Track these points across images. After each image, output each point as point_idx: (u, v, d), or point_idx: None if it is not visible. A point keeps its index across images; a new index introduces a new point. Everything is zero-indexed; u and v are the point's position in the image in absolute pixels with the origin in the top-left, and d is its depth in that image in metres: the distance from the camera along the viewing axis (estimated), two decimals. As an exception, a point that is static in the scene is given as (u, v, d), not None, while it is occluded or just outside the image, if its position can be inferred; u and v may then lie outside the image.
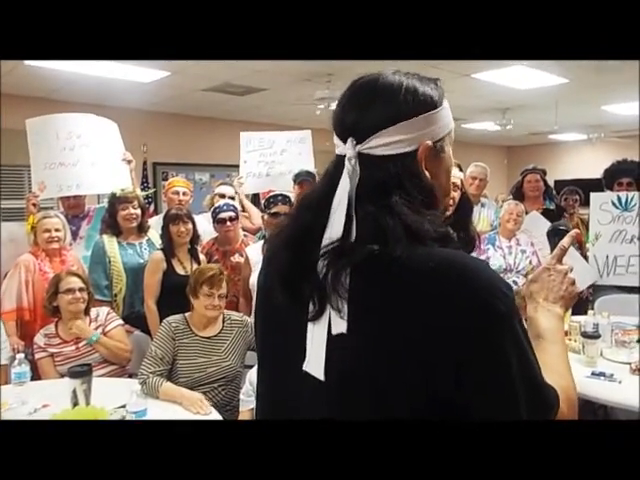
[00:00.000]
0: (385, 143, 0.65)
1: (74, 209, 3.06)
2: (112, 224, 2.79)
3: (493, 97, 5.24)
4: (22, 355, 2.02)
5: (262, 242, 2.56)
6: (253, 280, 2.44)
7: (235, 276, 2.68)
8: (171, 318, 2.11)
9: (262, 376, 0.80)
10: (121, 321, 2.43)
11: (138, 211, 2.80)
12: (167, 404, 1.77)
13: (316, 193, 0.70)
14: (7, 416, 1.72)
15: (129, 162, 3.07)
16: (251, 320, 2.21)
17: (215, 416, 1.72)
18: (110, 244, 2.73)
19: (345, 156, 0.66)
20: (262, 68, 4.22)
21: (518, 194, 3.51)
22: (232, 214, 2.77)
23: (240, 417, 1.73)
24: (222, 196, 3.17)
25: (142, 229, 2.85)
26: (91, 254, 2.78)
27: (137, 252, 2.78)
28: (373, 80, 0.69)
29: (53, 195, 3.01)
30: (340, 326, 0.62)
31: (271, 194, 2.65)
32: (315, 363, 0.64)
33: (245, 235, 2.98)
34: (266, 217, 2.56)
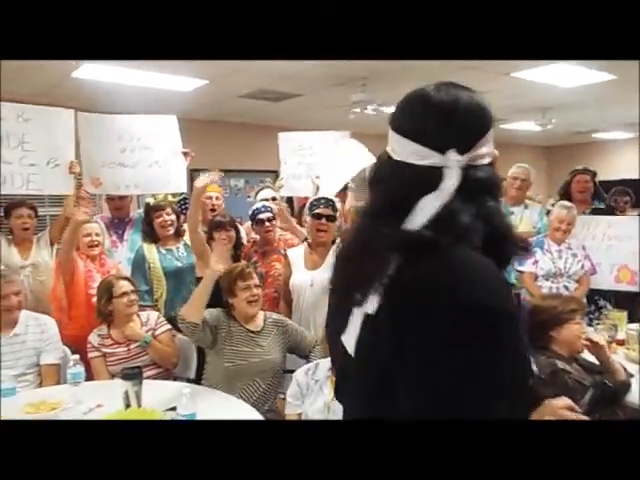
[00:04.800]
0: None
1: (120, 211, 3.18)
2: (149, 232, 2.90)
3: (533, 96, 5.16)
4: (77, 356, 2.12)
5: (305, 244, 2.62)
6: (293, 281, 2.49)
7: (275, 272, 2.74)
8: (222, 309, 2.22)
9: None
10: (169, 326, 2.51)
11: (173, 217, 2.89)
12: (218, 407, 1.81)
13: (394, 200, 0.75)
14: (64, 415, 1.80)
15: (186, 155, 3.13)
16: (290, 322, 2.27)
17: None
18: (149, 250, 2.83)
19: (427, 166, 0.71)
20: (296, 74, 4.29)
21: (566, 194, 3.45)
22: (270, 215, 2.83)
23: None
24: (265, 199, 3.22)
25: (178, 234, 2.94)
26: (133, 260, 2.88)
27: (175, 256, 2.88)
28: (460, 92, 0.73)
29: (110, 192, 3.10)
30: (370, 307, 0.71)
31: (316, 197, 2.69)
32: (348, 337, 0.76)
33: (281, 235, 3.02)
34: (309, 219, 2.61)
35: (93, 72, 4.22)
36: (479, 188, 0.71)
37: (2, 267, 2.64)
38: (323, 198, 2.60)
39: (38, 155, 2.72)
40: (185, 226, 3.08)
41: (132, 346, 2.40)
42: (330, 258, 2.42)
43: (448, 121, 0.71)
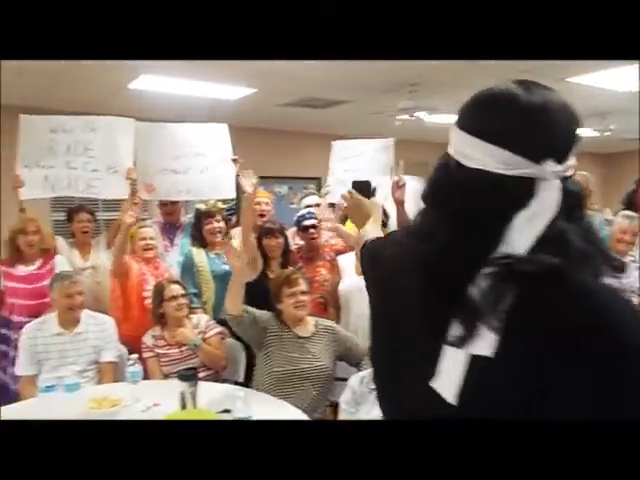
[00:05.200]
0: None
1: (171, 216, 3.29)
2: (198, 237, 2.98)
3: (590, 101, 5.01)
4: (136, 355, 2.21)
5: (356, 251, 2.61)
6: (343, 287, 2.50)
7: (320, 278, 2.77)
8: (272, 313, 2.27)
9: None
10: (219, 329, 2.57)
11: (222, 224, 2.97)
12: (271, 412, 1.82)
13: (477, 217, 0.64)
14: (123, 412, 1.88)
15: (235, 162, 3.21)
16: (341, 329, 2.28)
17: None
18: (198, 254, 2.91)
19: (518, 177, 0.62)
20: (344, 81, 4.33)
21: (630, 204, 3.33)
22: (314, 221, 2.86)
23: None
24: (310, 206, 3.25)
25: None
26: (182, 264, 2.98)
27: (222, 261, 2.95)
28: (548, 93, 0.65)
29: (162, 198, 3.21)
30: (485, 347, 0.59)
31: None
32: (447, 383, 0.62)
33: (326, 241, 3.04)
34: None
35: (148, 83, 4.41)
36: (575, 203, 0.63)
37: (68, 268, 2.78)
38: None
39: (100, 161, 2.86)
40: (232, 232, 3.16)
41: (184, 348, 2.47)
42: None
43: (545, 126, 0.62)
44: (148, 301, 2.67)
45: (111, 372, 2.46)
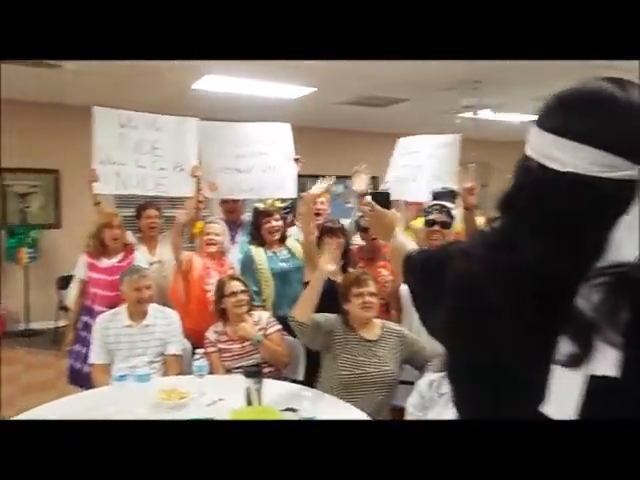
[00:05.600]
0: None
1: (232, 214, 3.36)
2: (256, 236, 3.03)
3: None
4: (203, 350, 2.28)
5: (393, 260, 2.58)
6: (404, 289, 2.46)
7: (381, 279, 2.74)
8: (338, 316, 2.25)
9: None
10: (280, 326, 2.61)
11: (280, 223, 3.00)
12: (337, 414, 1.83)
13: (578, 224, 0.60)
14: (190, 405, 1.95)
15: (297, 161, 3.25)
16: (408, 332, 2.26)
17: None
18: (257, 253, 2.95)
19: (617, 180, 0.58)
20: (404, 79, 4.28)
21: None
22: None
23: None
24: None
25: (283, 239, 3.05)
26: (241, 262, 3.03)
27: (280, 259, 2.99)
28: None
29: (225, 196, 3.30)
30: (608, 366, 0.54)
31: (431, 203, 2.65)
32: (562, 407, 0.58)
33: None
34: (422, 226, 2.58)
35: (211, 83, 4.52)
36: None
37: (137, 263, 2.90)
38: (437, 204, 2.55)
39: (167, 160, 2.97)
40: (289, 231, 3.20)
41: (246, 343, 2.52)
42: None
43: None
44: (210, 295, 2.74)
45: (176, 365, 2.55)
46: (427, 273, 0.87)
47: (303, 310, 2.13)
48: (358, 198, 3.23)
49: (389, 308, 2.65)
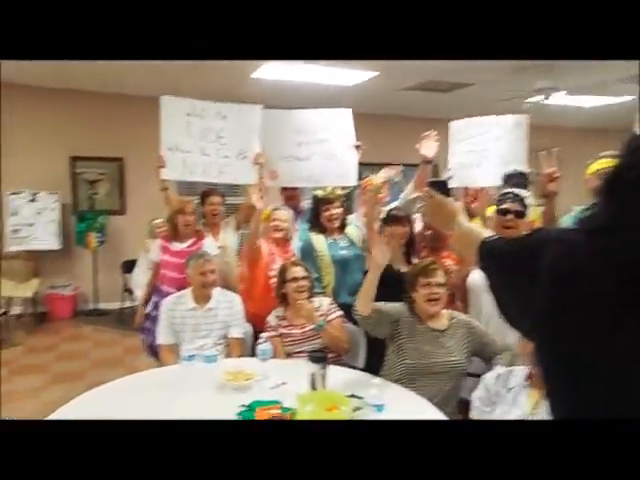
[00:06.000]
0: None
1: (292, 201, 3.39)
2: (316, 223, 3.04)
3: None
4: (267, 334, 2.33)
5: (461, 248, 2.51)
6: (473, 280, 2.41)
7: (447, 270, 2.68)
8: (403, 304, 2.23)
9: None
10: (341, 312, 2.63)
11: (340, 211, 2.99)
12: (404, 404, 1.83)
13: None
14: (254, 387, 1.99)
15: (358, 148, 3.23)
16: (477, 323, 2.21)
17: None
18: (317, 240, 2.96)
19: None
20: (468, 62, 4.14)
21: None
22: None
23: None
24: None
25: (343, 226, 3.04)
26: (301, 249, 3.05)
27: (340, 246, 2.99)
28: None
29: (285, 184, 3.34)
30: None
31: (504, 191, 2.56)
32: None
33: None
34: (494, 215, 2.49)
35: (271, 72, 4.56)
36: None
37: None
38: (511, 192, 2.45)
39: (230, 148, 3.03)
40: (349, 218, 3.19)
41: (306, 329, 2.55)
42: None
43: None
44: (273, 281, 2.79)
45: (238, 347, 2.62)
46: (513, 260, 0.84)
47: (364, 302, 2.11)
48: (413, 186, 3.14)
49: (454, 299, 2.60)
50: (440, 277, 2.14)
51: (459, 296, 2.48)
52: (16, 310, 5.54)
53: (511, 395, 1.65)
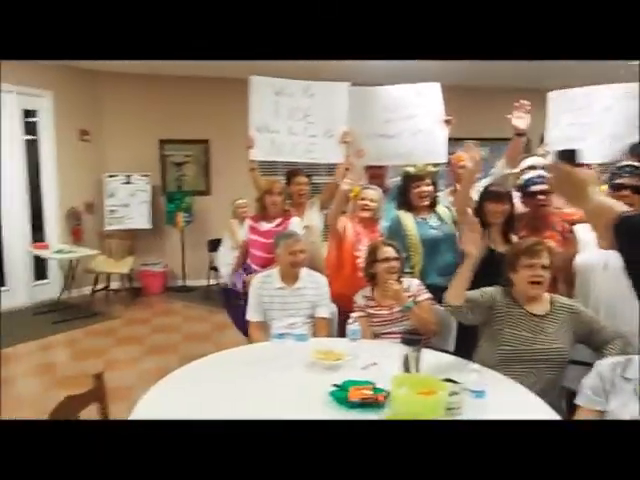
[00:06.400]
0: None
1: (377, 179, 3.33)
2: (405, 201, 2.96)
3: None
4: (357, 314, 2.33)
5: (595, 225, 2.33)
6: (581, 262, 2.24)
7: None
8: (498, 288, 2.13)
9: None
10: (430, 295, 2.57)
11: (431, 188, 2.90)
12: (503, 391, 1.76)
13: None
14: (345, 367, 2.00)
15: (447, 123, 3.14)
16: (583, 308, 2.07)
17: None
18: (406, 218, 2.89)
19: None
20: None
21: None
22: (545, 187, 2.61)
23: (577, 416, 1.63)
24: (532, 168, 2.98)
25: (433, 205, 2.95)
26: (388, 228, 2.99)
27: (430, 225, 2.90)
28: None
29: (372, 163, 3.29)
30: None
31: (620, 164, 2.35)
32: None
33: (557, 208, 2.76)
34: (607, 189, 2.30)
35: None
36: None
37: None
38: (628, 165, 2.24)
39: (318, 127, 3.02)
40: (440, 196, 3.09)
41: (394, 310, 2.52)
42: None
43: None
44: (360, 261, 2.77)
45: (325, 327, 2.64)
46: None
47: (455, 294, 2.03)
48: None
49: (556, 281, 2.44)
50: (545, 259, 2.01)
51: (562, 278, 2.32)
52: (114, 285, 5.96)
53: (630, 387, 1.52)
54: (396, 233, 2.90)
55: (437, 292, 2.62)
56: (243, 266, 3.19)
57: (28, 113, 5.48)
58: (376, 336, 2.52)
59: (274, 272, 2.72)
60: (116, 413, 1.77)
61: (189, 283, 6.39)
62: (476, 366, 1.50)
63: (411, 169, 2.98)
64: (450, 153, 3.24)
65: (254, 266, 3.06)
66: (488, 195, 2.59)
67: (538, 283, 2.00)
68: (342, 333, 2.44)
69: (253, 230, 3.15)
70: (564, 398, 1.90)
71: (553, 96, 3.16)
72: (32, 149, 5.56)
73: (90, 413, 1.72)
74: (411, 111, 3.09)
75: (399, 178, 3.34)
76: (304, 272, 2.71)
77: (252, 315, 2.69)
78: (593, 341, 1.99)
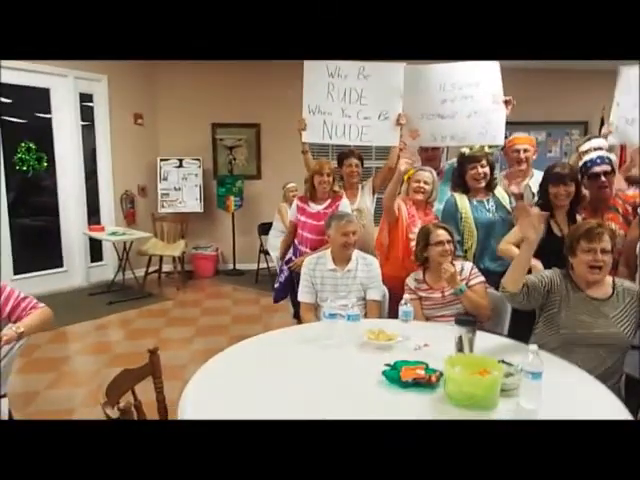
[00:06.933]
0: None
1: (431, 162, 3.31)
2: (461, 183, 2.93)
3: None
4: (409, 296, 2.35)
5: None
6: None
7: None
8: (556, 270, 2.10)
9: None
10: (483, 278, 2.55)
11: (486, 169, 2.86)
12: (559, 374, 1.74)
13: None
14: (397, 347, 2.02)
15: (507, 103, 3.07)
16: None
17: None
18: (461, 201, 2.87)
19: None
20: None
21: None
22: (607, 167, 2.52)
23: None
24: (597, 149, 2.88)
25: (490, 187, 2.90)
26: (443, 210, 2.98)
27: (486, 208, 2.86)
28: None
29: (426, 144, 3.26)
30: None
31: None
32: None
33: (619, 190, 2.66)
34: None
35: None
36: None
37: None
38: None
39: (372, 109, 3.02)
40: (498, 178, 3.04)
41: (446, 293, 2.52)
42: None
43: None
44: (413, 244, 2.77)
45: (376, 309, 2.67)
46: None
47: (513, 279, 1.98)
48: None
49: (618, 264, 2.36)
50: (606, 242, 1.95)
51: (624, 262, 2.25)
52: (166, 268, 6.18)
53: None
54: (451, 215, 2.89)
55: (490, 276, 2.61)
56: (293, 246, 3.25)
57: (84, 98, 5.69)
58: (428, 319, 2.54)
59: (326, 253, 2.76)
60: (168, 390, 1.86)
61: (239, 267, 6.54)
62: (533, 347, 1.48)
63: (466, 150, 2.94)
64: (505, 137, 3.17)
65: (303, 248, 3.11)
66: (551, 177, 2.53)
67: (598, 268, 1.96)
68: (393, 316, 2.46)
69: (302, 211, 3.19)
70: (623, 384, 1.86)
71: (623, 72, 3.00)
72: (88, 133, 5.79)
73: (145, 388, 1.80)
74: (467, 91, 3.04)
75: (454, 160, 3.31)
76: (356, 254, 2.74)
77: (304, 296, 2.75)
78: None
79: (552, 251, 2.23)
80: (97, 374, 3.55)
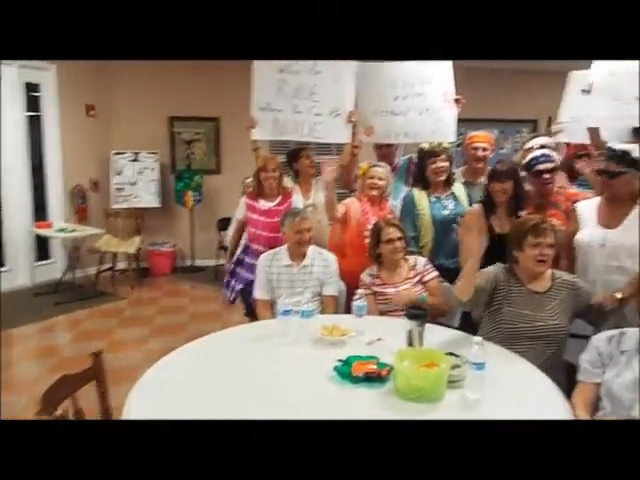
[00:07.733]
0: None
1: (386, 158, 3.37)
2: (420, 178, 3.01)
3: None
4: (363, 291, 2.40)
5: (597, 198, 2.38)
6: (581, 238, 2.29)
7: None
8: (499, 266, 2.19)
9: None
10: (437, 273, 2.63)
11: (447, 164, 2.94)
12: (504, 363, 1.83)
13: None
14: (350, 342, 2.06)
15: (457, 102, 3.16)
16: (583, 284, 2.13)
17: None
18: (419, 197, 2.94)
19: None
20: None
21: None
22: (550, 165, 2.64)
23: (579, 391, 1.70)
24: (541, 147, 3.00)
25: (448, 182, 2.99)
26: (402, 207, 3.05)
27: (443, 205, 2.95)
28: None
29: (380, 141, 3.32)
30: None
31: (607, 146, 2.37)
32: None
33: (560, 187, 2.80)
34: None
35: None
36: None
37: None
38: (608, 149, 2.28)
39: (323, 105, 3.06)
40: (456, 174, 3.13)
41: (400, 288, 2.59)
42: (633, 218, 2.15)
43: None
44: (367, 240, 2.82)
45: (332, 304, 2.72)
46: None
47: (465, 289, 2.06)
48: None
49: (558, 259, 2.49)
50: (550, 237, 2.07)
51: (564, 255, 2.38)
52: (120, 265, 6.06)
53: (624, 358, 1.61)
54: (409, 212, 2.96)
55: (446, 273, 2.70)
56: (242, 246, 3.26)
57: (30, 87, 5.48)
58: (382, 314, 2.60)
59: (282, 250, 2.79)
60: (120, 394, 1.73)
61: (198, 263, 6.49)
62: (478, 339, 1.56)
63: (425, 145, 3.02)
64: (460, 134, 3.27)
65: (257, 246, 3.12)
66: (491, 174, 2.65)
67: (544, 261, 2.06)
68: (350, 311, 2.51)
69: (252, 208, 3.20)
70: (564, 372, 1.96)
71: (574, 75, 3.19)
72: (35, 125, 5.59)
73: (88, 392, 1.77)
74: (420, 89, 3.11)
75: (408, 156, 3.38)
76: (312, 250, 2.77)
77: (260, 293, 2.77)
78: (591, 316, 2.07)
79: (492, 247, 2.33)
80: (40, 380, 3.39)
